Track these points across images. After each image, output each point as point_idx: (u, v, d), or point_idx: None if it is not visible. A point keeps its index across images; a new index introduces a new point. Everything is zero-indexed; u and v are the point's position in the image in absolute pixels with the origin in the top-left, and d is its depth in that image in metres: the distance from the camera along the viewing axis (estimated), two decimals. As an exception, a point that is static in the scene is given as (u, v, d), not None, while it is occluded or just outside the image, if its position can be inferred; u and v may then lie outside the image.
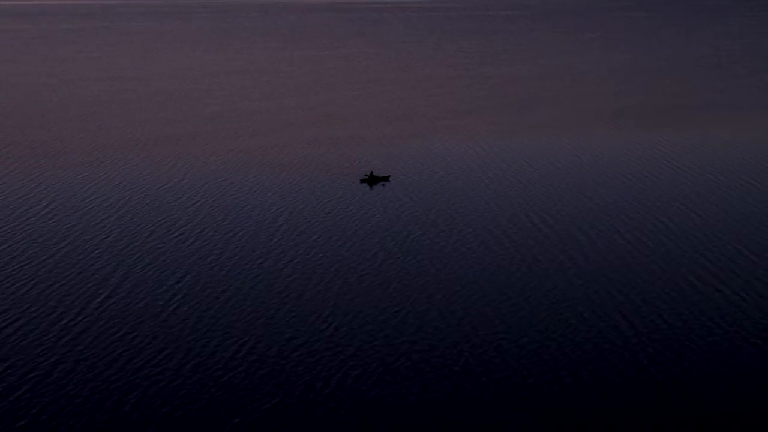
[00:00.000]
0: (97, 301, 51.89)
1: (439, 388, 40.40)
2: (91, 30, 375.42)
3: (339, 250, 65.95)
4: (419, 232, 73.57)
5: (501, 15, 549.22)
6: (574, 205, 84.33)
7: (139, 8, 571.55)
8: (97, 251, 63.78)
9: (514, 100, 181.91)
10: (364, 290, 54.62)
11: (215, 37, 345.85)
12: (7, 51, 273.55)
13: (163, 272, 58.29)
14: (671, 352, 45.28)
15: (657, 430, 37.29)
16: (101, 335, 45.71)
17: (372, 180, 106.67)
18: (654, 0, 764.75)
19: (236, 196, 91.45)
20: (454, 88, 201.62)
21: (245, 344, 44.61)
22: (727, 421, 38.13)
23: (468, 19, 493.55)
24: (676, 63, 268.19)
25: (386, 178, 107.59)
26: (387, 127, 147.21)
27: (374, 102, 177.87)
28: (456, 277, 57.78)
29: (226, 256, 62.86)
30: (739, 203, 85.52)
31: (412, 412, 37.94)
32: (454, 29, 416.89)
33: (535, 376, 42.08)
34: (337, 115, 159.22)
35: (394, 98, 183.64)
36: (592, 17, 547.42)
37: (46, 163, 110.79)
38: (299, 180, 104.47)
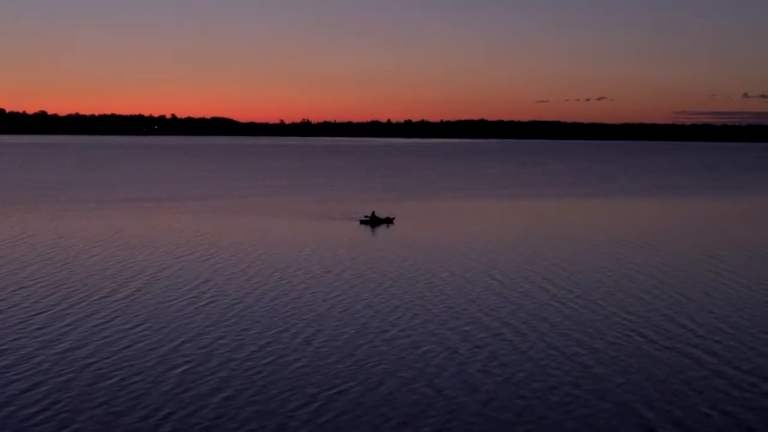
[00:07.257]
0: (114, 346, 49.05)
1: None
2: (47, 154, 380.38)
3: (339, 292, 64.71)
4: (428, 275, 71.91)
5: (471, 152, 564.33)
6: (578, 256, 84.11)
7: (100, 144, 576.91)
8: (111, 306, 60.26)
9: (507, 185, 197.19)
10: (375, 332, 53.04)
11: (181, 160, 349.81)
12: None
13: (175, 311, 57.89)
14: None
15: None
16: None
17: (374, 221, 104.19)
18: (611, 147, 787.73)
19: (232, 242, 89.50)
20: (445, 179, 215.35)
21: (256, 387, 42.85)
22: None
23: (435, 154, 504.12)
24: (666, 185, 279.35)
25: (390, 220, 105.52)
26: (383, 194, 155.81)
27: (361, 184, 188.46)
28: (473, 321, 56.38)
29: (228, 298, 62.26)
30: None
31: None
32: (427, 159, 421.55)
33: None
34: (326, 196, 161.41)
35: (384, 184, 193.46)
36: (556, 152, 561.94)
37: (41, 218, 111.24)
38: (296, 225, 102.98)
